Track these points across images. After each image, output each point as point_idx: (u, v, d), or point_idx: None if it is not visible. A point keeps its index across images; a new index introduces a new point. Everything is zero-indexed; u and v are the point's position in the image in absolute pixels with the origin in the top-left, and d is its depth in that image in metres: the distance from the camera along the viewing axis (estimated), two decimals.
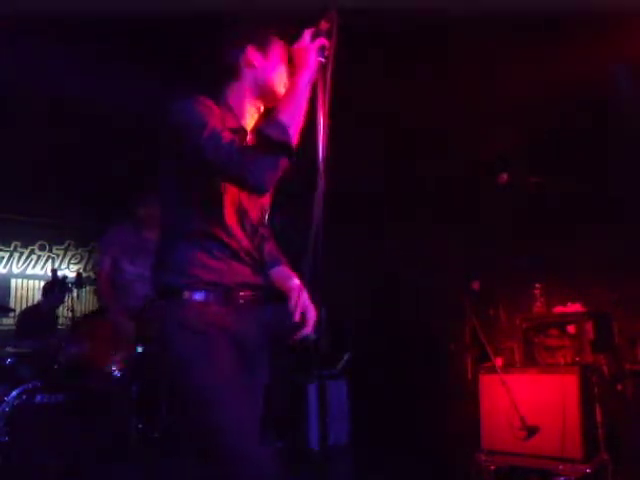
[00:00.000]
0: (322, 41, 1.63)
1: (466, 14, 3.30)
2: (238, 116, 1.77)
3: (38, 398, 3.56)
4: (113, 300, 3.85)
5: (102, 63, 3.97)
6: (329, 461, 4.51)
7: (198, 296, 1.64)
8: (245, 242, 1.73)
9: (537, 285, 4.39)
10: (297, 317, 1.76)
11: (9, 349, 4.05)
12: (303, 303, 1.79)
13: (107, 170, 5.15)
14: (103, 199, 5.66)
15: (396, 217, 5.57)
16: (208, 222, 1.67)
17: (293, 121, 1.56)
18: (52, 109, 4.43)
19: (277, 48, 1.79)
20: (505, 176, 3.38)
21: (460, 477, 3.94)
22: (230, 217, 1.69)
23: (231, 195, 1.69)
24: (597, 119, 4.21)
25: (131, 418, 3.99)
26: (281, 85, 1.78)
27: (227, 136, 1.56)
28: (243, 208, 1.74)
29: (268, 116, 1.66)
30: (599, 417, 3.48)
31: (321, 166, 1.57)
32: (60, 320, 5.15)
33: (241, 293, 1.72)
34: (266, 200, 1.87)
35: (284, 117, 1.56)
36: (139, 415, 4.04)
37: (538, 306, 4.34)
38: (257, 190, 1.63)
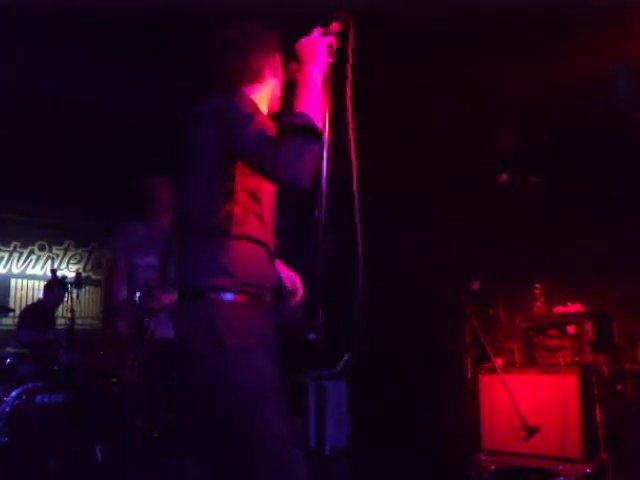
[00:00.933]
0: (331, 40, 1.61)
1: (466, 14, 3.31)
2: None
3: (38, 398, 3.56)
4: (124, 303, 3.59)
5: (102, 62, 3.97)
6: (329, 461, 4.51)
7: (235, 298, 1.60)
8: (273, 242, 1.72)
9: (537, 285, 4.38)
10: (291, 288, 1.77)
11: (9, 349, 4.05)
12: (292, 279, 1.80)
13: (107, 170, 5.14)
14: (103, 199, 5.67)
15: (396, 217, 5.57)
16: (245, 221, 1.63)
17: (314, 112, 1.53)
18: (52, 109, 4.44)
19: (279, 61, 1.81)
20: (505, 176, 3.38)
21: (460, 477, 3.94)
22: (266, 215, 1.68)
23: (267, 193, 1.68)
24: (597, 119, 4.21)
25: (131, 418, 4.00)
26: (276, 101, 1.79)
27: (271, 132, 1.52)
28: (272, 207, 1.73)
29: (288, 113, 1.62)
30: (599, 417, 3.48)
31: (325, 170, 1.57)
32: (60, 320, 5.17)
33: (269, 294, 1.71)
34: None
35: (305, 110, 1.53)
36: (139, 415, 4.04)
37: (538, 306, 4.34)
38: (297, 185, 1.51)
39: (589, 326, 3.93)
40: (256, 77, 1.75)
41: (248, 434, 1.50)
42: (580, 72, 3.87)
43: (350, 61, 1.60)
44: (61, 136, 4.76)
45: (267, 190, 1.70)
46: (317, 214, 1.58)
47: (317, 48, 1.60)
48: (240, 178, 1.61)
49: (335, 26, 1.62)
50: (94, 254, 6.44)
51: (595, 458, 3.40)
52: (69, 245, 6.33)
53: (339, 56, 1.62)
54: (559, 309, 4.25)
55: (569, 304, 4.23)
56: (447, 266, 4.91)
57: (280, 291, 1.80)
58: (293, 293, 1.80)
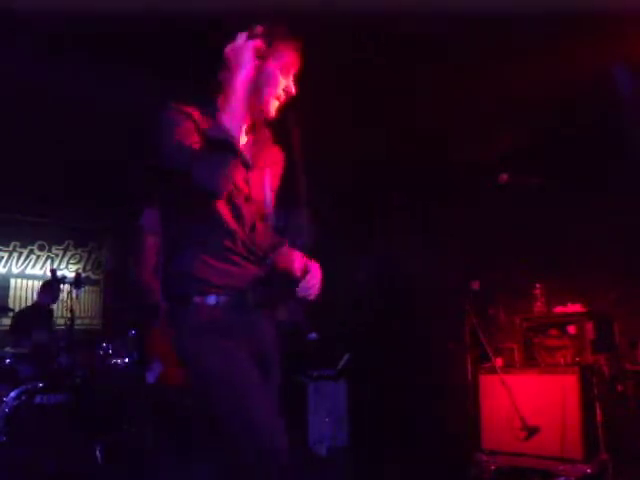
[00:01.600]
0: (257, 43, 1.66)
1: (467, 13, 3.30)
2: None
3: (38, 398, 3.56)
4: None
5: (102, 63, 3.97)
6: (328, 461, 4.51)
7: (209, 300, 1.65)
8: (246, 242, 1.74)
9: (537, 285, 4.38)
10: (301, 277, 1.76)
11: (9, 349, 4.05)
12: (305, 266, 1.80)
13: (107, 170, 5.14)
14: (103, 199, 5.67)
15: (396, 217, 5.57)
16: (209, 228, 1.68)
17: (234, 119, 1.62)
18: (52, 109, 4.43)
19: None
20: (505, 176, 3.38)
21: (460, 477, 3.94)
22: (228, 220, 1.71)
23: (224, 199, 1.70)
24: (597, 119, 4.21)
25: (131, 418, 4.00)
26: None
27: (186, 146, 1.61)
28: (238, 209, 1.74)
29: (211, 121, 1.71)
30: (599, 417, 3.48)
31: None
32: (59, 320, 5.17)
33: (251, 294, 1.73)
34: (261, 197, 1.85)
35: (225, 117, 1.63)
36: (139, 415, 4.04)
37: (538, 306, 4.34)
38: (212, 194, 1.64)
39: (589, 326, 3.93)
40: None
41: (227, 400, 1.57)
42: (580, 72, 3.87)
43: (274, 61, 1.68)
44: (61, 136, 4.75)
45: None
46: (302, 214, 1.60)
47: (241, 53, 1.66)
48: (187, 189, 1.66)
49: (259, 28, 1.68)
50: (94, 254, 6.44)
51: (595, 458, 3.40)
52: (69, 245, 6.32)
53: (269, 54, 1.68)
54: (559, 309, 4.25)
55: (569, 304, 4.23)
56: (447, 266, 4.91)
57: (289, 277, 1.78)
58: (304, 275, 1.80)
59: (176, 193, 1.69)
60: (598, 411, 3.49)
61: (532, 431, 3.52)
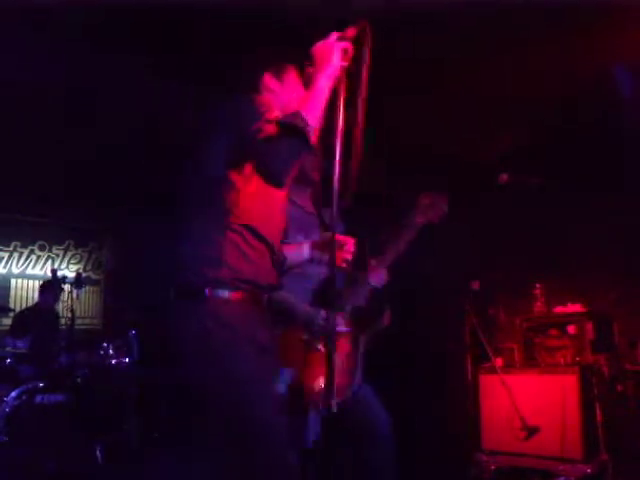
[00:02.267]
0: (347, 45, 1.66)
1: (466, 14, 3.30)
2: None
3: (38, 398, 3.56)
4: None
5: (104, 63, 3.96)
6: (328, 462, 4.50)
7: (230, 294, 1.64)
8: (274, 243, 1.76)
9: (537, 285, 4.38)
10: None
11: (9, 349, 4.05)
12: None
13: (107, 170, 5.14)
14: (103, 199, 5.67)
15: (395, 217, 5.57)
16: (241, 221, 1.68)
17: (311, 116, 1.61)
18: (52, 109, 4.43)
19: (292, 74, 1.90)
20: (505, 176, 3.38)
21: (460, 477, 3.94)
22: (261, 217, 1.73)
23: (263, 196, 1.72)
24: (597, 119, 4.21)
25: (131, 418, 4.00)
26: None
27: (265, 128, 1.62)
28: (272, 210, 1.78)
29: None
30: (599, 417, 3.48)
31: (337, 174, 1.59)
32: (60, 320, 5.17)
33: (267, 294, 1.75)
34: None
35: (304, 110, 1.61)
36: (139, 415, 4.05)
37: (538, 306, 4.34)
38: (274, 181, 1.65)
39: (589, 326, 3.93)
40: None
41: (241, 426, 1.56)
42: (580, 72, 3.87)
43: (366, 63, 1.66)
44: (61, 136, 4.75)
45: (274, 194, 1.76)
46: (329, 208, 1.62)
47: (331, 53, 1.66)
48: (238, 176, 1.69)
49: (351, 31, 1.67)
50: (94, 254, 6.44)
51: (595, 458, 3.40)
52: (69, 245, 6.32)
53: (355, 60, 1.68)
54: (559, 309, 4.25)
55: (569, 304, 4.23)
56: (447, 266, 4.90)
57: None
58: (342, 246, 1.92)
59: (220, 179, 1.68)
60: (598, 411, 3.49)
61: (532, 431, 3.52)
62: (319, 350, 2.30)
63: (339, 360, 2.31)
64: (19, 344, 4.23)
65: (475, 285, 4.54)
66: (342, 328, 2.41)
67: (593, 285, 4.32)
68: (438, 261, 4.93)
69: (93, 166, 5.10)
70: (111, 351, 4.13)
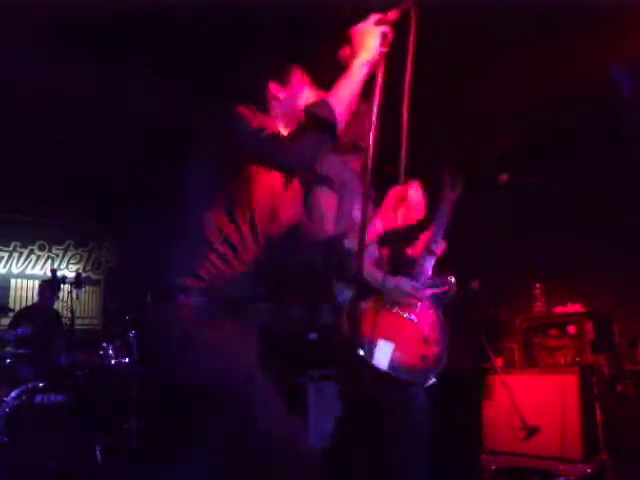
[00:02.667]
0: (386, 29, 1.57)
1: (466, 13, 3.30)
2: None
3: (38, 398, 3.55)
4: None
5: (102, 62, 3.96)
6: (329, 462, 4.50)
7: (202, 303, 1.63)
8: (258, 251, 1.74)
9: (537, 285, 4.38)
10: None
11: (9, 349, 4.05)
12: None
13: (107, 170, 5.14)
14: (103, 199, 5.67)
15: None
16: (232, 229, 1.67)
17: (341, 102, 1.55)
18: (52, 109, 4.43)
19: (297, 75, 1.83)
20: (505, 176, 3.38)
21: (460, 477, 3.93)
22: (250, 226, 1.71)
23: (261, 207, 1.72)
24: (597, 119, 4.21)
25: (131, 418, 4.00)
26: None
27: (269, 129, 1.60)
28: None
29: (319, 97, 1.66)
30: (599, 417, 3.47)
31: (369, 162, 1.57)
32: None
33: (248, 304, 1.73)
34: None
35: (333, 98, 1.55)
36: (139, 415, 4.04)
37: (538, 306, 4.34)
38: (296, 167, 1.63)
39: (589, 326, 3.93)
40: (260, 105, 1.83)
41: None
42: (580, 72, 3.87)
43: (410, 51, 1.58)
44: (61, 136, 4.76)
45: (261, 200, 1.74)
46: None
47: (369, 36, 1.57)
48: (233, 180, 1.68)
49: (393, 14, 1.58)
50: (94, 254, 6.44)
51: (595, 458, 3.40)
52: (69, 245, 6.33)
53: (396, 45, 1.59)
54: (559, 309, 4.25)
55: (569, 304, 4.23)
56: (447, 266, 4.90)
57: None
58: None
59: (214, 183, 1.67)
60: (598, 411, 3.49)
61: (532, 431, 3.52)
62: (411, 319, 2.29)
63: (428, 330, 2.31)
64: (20, 331, 4.23)
65: (475, 285, 4.54)
66: (424, 294, 2.39)
67: (593, 285, 4.32)
68: (438, 261, 4.92)
69: (93, 166, 5.10)
70: (111, 351, 4.13)
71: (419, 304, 2.34)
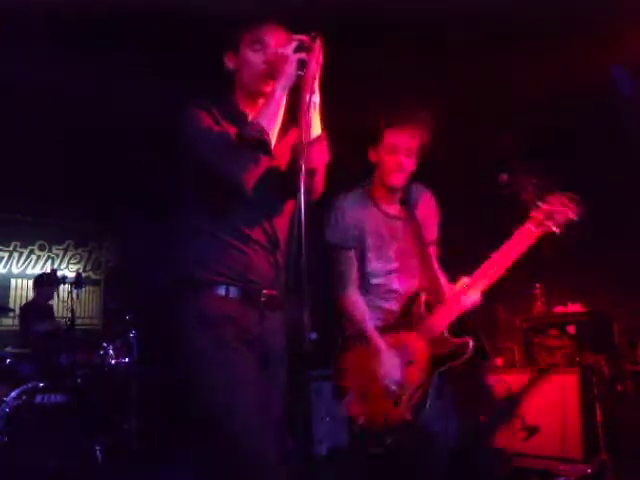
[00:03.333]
0: (303, 55, 1.64)
1: (466, 14, 3.31)
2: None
3: (38, 398, 3.56)
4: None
5: (103, 63, 3.97)
6: (328, 461, 4.51)
7: (219, 290, 1.66)
8: (268, 241, 1.76)
9: (537, 285, 4.38)
10: None
11: (9, 349, 4.05)
12: None
13: (107, 170, 5.14)
14: (103, 199, 5.67)
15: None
16: (231, 220, 1.71)
17: (268, 124, 1.63)
18: (52, 109, 4.43)
19: (247, 44, 1.80)
20: (505, 176, 3.38)
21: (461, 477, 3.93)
22: (251, 217, 1.74)
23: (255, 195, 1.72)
24: (597, 119, 4.21)
25: (131, 418, 4.00)
26: (263, 80, 1.78)
27: (216, 133, 1.66)
28: (266, 208, 1.77)
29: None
30: (599, 417, 3.47)
31: (302, 170, 1.56)
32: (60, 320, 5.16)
33: (264, 291, 1.74)
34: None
35: (261, 120, 1.64)
36: (139, 415, 4.04)
37: (538, 306, 4.34)
38: (236, 188, 1.65)
39: (589, 326, 3.93)
40: (229, 81, 1.87)
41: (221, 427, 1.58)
42: (580, 72, 3.87)
43: (314, 76, 1.65)
44: (61, 136, 4.76)
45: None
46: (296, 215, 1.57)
47: (286, 64, 1.65)
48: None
49: (307, 39, 1.66)
50: (94, 254, 6.44)
51: (595, 458, 3.39)
52: (69, 245, 6.32)
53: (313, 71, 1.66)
54: (559, 309, 4.25)
55: (569, 304, 4.22)
56: (447, 266, 4.90)
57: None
58: None
59: (203, 183, 1.71)
60: (598, 411, 3.49)
61: (532, 431, 3.52)
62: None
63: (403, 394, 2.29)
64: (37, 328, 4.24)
65: None
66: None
67: (593, 285, 4.32)
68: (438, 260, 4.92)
69: (93, 166, 5.10)
70: (111, 351, 4.13)
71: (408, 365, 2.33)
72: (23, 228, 5.96)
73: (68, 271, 6.03)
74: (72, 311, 4.30)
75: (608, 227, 4.23)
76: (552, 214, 2.49)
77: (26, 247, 6.05)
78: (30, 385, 3.58)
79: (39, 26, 3.57)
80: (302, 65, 1.64)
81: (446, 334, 2.37)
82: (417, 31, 3.55)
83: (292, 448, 1.75)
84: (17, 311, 5.28)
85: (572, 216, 2.53)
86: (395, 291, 2.48)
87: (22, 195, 5.52)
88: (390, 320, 2.43)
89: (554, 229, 2.49)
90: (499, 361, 4.10)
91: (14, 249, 5.98)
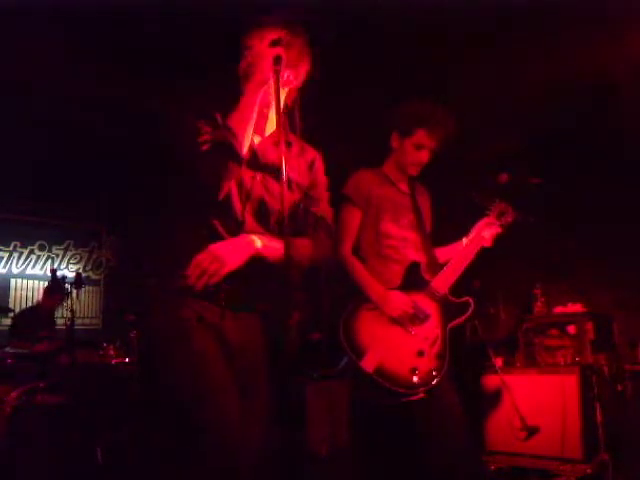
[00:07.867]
0: (279, 50, 1.63)
1: (466, 14, 3.31)
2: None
3: (38, 398, 3.56)
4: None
5: (102, 62, 3.97)
6: (328, 462, 4.51)
7: (195, 293, 1.64)
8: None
9: (537, 285, 4.38)
10: None
11: (9, 349, 4.05)
12: None
13: (107, 170, 5.15)
14: (103, 199, 5.67)
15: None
16: (215, 222, 1.70)
17: (240, 126, 1.64)
18: (52, 109, 4.44)
19: (254, 39, 1.78)
20: (505, 176, 3.39)
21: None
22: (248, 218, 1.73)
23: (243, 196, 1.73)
24: (597, 119, 4.21)
25: (131, 418, 3.99)
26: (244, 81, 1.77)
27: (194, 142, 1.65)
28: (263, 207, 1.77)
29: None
30: (599, 417, 3.47)
31: (284, 176, 1.54)
32: (60, 320, 5.17)
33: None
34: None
35: (233, 123, 1.64)
36: (139, 415, 4.04)
37: (538, 306, 4.34)
38: (209, 192, 1.65)
39: (589, 326, 3.93)
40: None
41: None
42: (580, 72, 3.87)
43: (280, 72, 1.61)
44: (61, 136, 4.76)
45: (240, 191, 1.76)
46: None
47: (262, 60, 1.65)
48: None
49: (282, 35, 1.67)
50: (94, 254, 6.44)
51: (595, 458, 3.40)
52: (69, 245, 6.32)
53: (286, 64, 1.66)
54: (559, 309, 4.25)
55: (569, 304, 4.22)
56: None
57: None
58: None
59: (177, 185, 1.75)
60: (598, 411, 3.49)
61: (532, 431, 3.52)
62: (408, 332, 2.40)
63: (426, 344, 2.41)
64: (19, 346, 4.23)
65: (475, 284, 4.54)
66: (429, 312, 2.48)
67: (593, 285, 4.32)
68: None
69: (93, 166, 5.10)
70: (111, 351, 4.13)
71: (425, 320, 2.44)
72: (23, 228, 5.95)
73: (68, 271, 6.03)
74: (72, 311, 4.30)
75: (608, 227, 4.23)
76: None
77: (26, 247, 6.05)
78: (30, 385, 3.57)
79: (39, 26, 3.57)
80: (278, 60, 1.62)
81: (449, 295, 2.58)
82: (416, 30, 3.56)
83: (282, 447, 1.75)
84: (17, 311, 5.29)
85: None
86: (403, 256, 2.60)
87: (22, 195, 5.52)
88: (397, 283, 2.53)
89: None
90: (499, 361, 4.10)
91: (14, 249, 5.97)
